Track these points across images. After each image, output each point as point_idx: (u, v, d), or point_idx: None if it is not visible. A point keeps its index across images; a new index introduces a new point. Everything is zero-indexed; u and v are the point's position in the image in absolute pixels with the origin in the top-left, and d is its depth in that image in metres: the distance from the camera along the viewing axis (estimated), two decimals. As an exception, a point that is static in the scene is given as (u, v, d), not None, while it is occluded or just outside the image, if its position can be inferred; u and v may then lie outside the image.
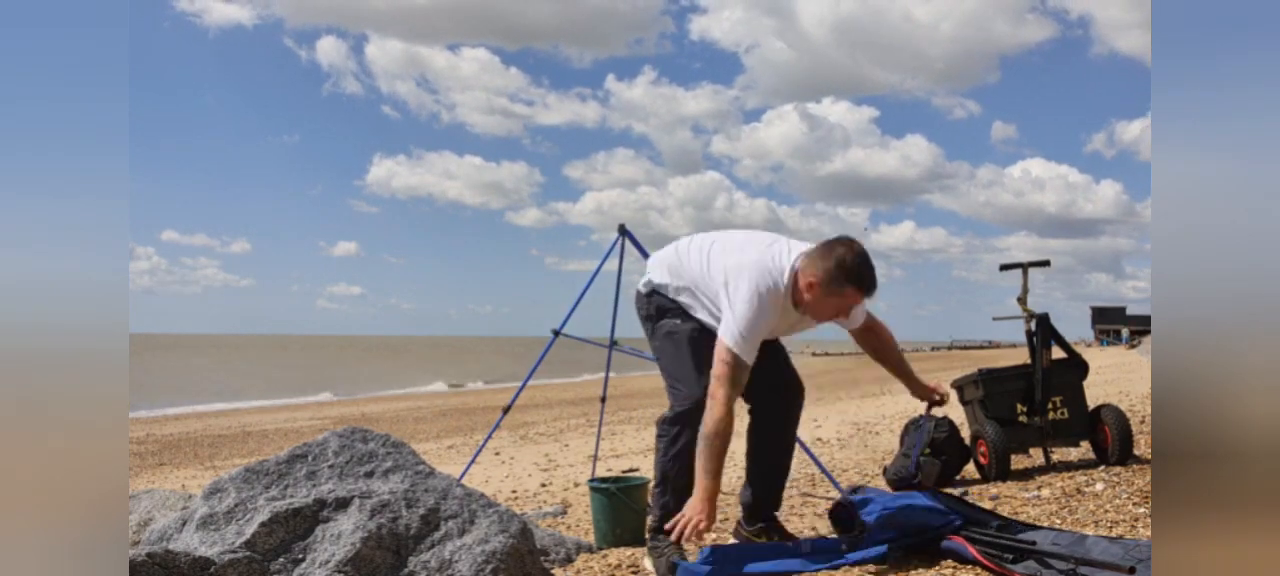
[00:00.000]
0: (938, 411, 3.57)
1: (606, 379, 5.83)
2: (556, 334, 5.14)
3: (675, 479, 3.14)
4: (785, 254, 3.06)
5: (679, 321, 3.24)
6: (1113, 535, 3.08)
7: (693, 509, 2.91)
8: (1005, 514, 3.44)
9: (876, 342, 3.38)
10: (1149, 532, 3.14)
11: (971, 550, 2.76)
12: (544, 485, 6.61)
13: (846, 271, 2.96)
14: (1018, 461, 4.88)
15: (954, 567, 2.76)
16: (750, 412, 3.36)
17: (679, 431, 3.14)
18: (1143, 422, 6.23)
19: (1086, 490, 3.92)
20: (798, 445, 3.64)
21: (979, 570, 2.71)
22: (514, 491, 6.35)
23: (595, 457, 6.16)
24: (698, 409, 3.04)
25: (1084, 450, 5.04)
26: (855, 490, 3.45)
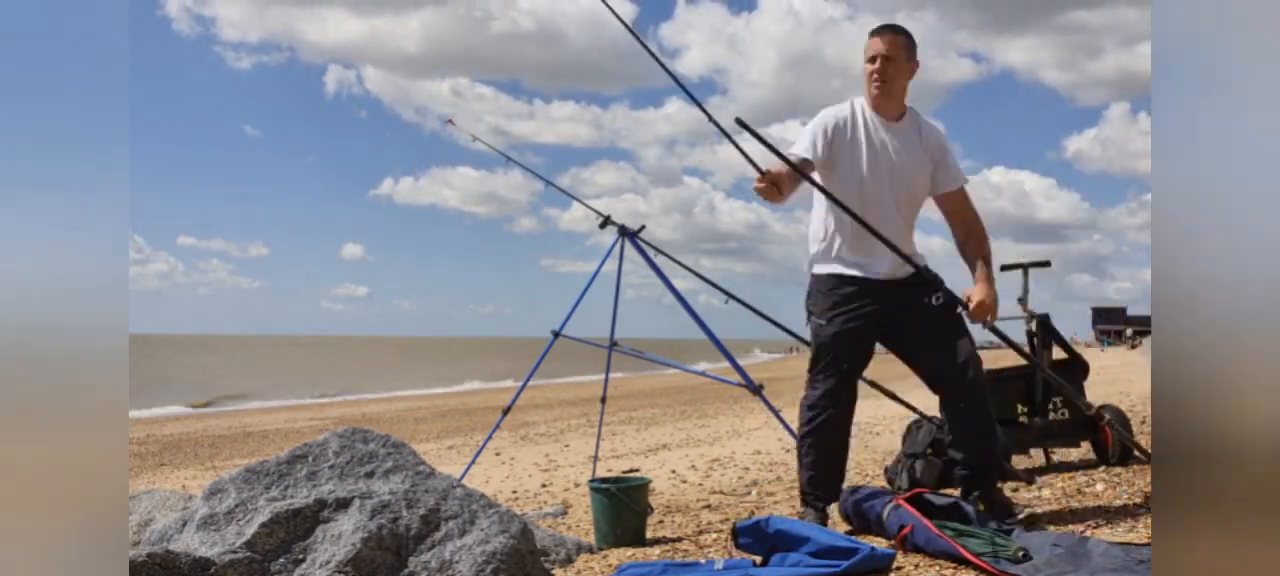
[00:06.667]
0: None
1: (606, 379, 5.82)
2: (556, 335, 5.13)
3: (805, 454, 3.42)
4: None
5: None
6: (1113, 536, 3.08)
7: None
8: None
9: (962, 231, 3.44)
10: (1149, 532, 3.13)
11: (961, 550, 2.76)
12: (544, 485, 6.61)
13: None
14: (1018, 462, 4.88)
15: (954, 567, 2.76)
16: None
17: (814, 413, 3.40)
18: (1143, 423, 6.23)
19: (1087, 490, 3.92)
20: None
21: (979, 572, 2.71)
22: (514, 492, 6.35)
23: (596, 458, 6.16)
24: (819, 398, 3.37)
25: (1084, 450, 5.03)
26: (854, 490, 3.45)
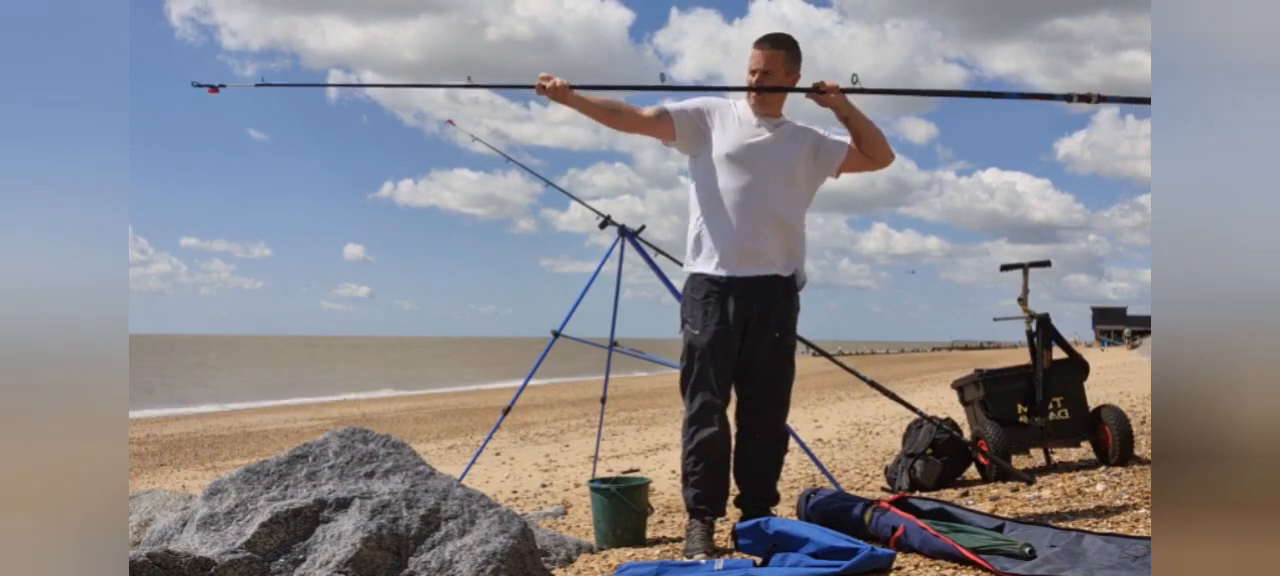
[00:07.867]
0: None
1: (607, 379, 5.82)
2: (556, 335, 5.13)
3: (689, 472, 3.35)
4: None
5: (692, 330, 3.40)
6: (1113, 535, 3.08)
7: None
8: (1006, 514, 3.44)
9: (860, 144, 3.42)
10: (1149, 532, 3.13)
11: (961, 549, 2.76)
12: (544, 485, 6.61)
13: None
14: (1018, 462, 4.88)
15: (954, 567, 2.76)
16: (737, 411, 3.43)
17: (694, 430, 3.33)
18: (1143, 423, 6.23)
19: (1087, 490, 3.92)
20: (798, 446, 3.65)
21: (978, 571, 2.71)
22: (514, 492, 6.35)
23: (596, 458, 6.16)
24: (703, 412, 3.29)
25: (1084, 450, 5.04)
26: (811, 493, 3.45)
